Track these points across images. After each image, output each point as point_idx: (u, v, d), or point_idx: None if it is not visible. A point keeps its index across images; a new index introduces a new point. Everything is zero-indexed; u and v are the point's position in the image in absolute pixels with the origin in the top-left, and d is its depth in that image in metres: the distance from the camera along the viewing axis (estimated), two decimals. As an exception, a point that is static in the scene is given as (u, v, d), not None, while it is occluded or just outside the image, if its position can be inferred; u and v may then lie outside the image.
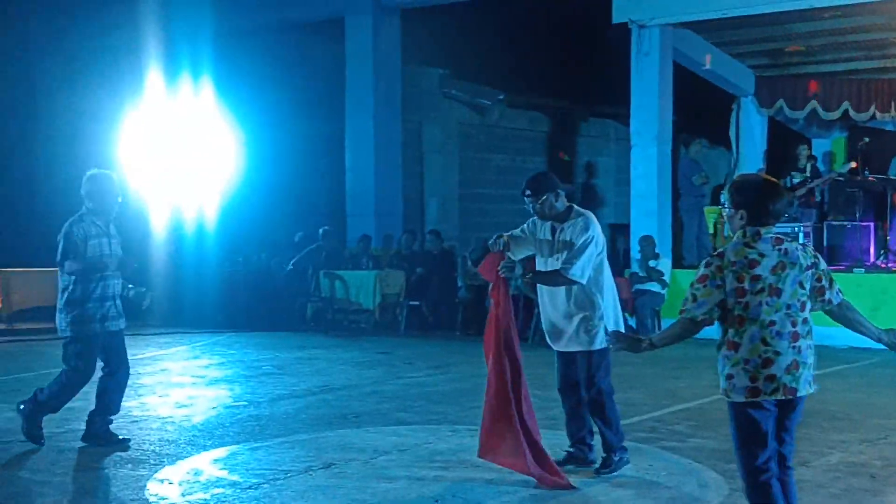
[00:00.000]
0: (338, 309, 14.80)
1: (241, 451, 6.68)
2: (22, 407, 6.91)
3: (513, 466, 5.71)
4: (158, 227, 17.12)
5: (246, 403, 8.60)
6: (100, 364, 6.99)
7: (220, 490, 5.67)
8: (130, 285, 7.10)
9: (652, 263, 13.22)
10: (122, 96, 18.29)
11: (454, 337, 13.86)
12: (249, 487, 5.70)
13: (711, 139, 18.16)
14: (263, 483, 5.78)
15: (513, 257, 5.93)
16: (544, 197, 5.82)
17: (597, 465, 5.96)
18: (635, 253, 13.66)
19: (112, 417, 7.00)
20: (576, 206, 5.96)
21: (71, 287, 6.78)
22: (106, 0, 17.91)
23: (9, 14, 18.92)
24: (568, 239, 5.79)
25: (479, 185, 19.60)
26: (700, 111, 18.33)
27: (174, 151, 17.77)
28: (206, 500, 5.48)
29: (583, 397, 5.95)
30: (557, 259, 5.82)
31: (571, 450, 6.07)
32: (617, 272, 14.15)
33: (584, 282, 5.74)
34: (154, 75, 17.89)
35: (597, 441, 6.06)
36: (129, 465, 6.28)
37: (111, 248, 6.89)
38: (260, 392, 9.21)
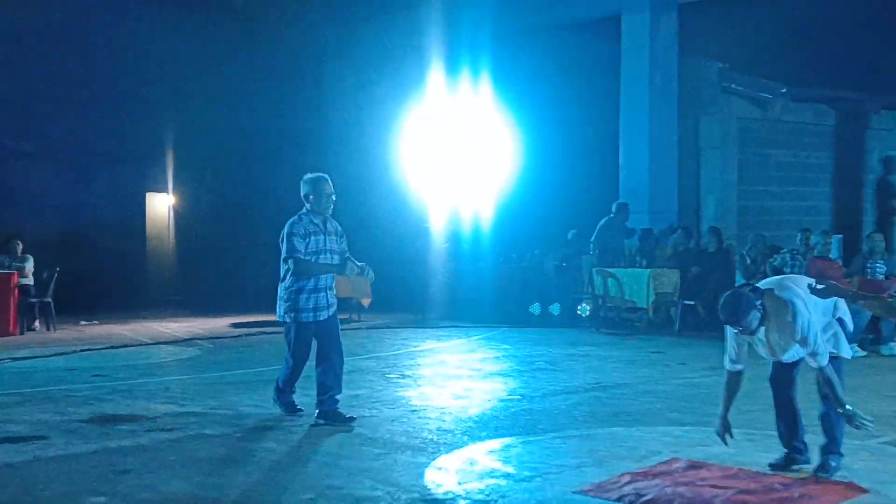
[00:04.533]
0: (611, 307, 14.75)
1: (514, 444, 6.82)
2: (275, 399, 7.85)
3: None
4: (437, 224, 17.74)
5: (519, 397, 8.76)
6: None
7: (495, 481, 5.81)
8: (359, 263, 7.68)
9: (952, 265, 12.28)
10: (405, 98, 19.11)
11: (731, 338, 13.45)
12: (523, 480, 5.81)
13: None
14: (536, 476, 5.87)
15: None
16: (748, 320, 5.58)
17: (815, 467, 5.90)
18: (932, 254, 12.75)
19: (337, 397, 7.56)
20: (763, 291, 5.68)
21: (288, 279, 7.50)
22: (391, 5, 18.73)
23: (304, 22, 20.19)
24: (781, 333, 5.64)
25: (759, 182, 18.91)
26: None
27: (453, 150, 18.35)
28: (481, 489, 5.63)
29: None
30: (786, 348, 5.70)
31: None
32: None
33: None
34: (435, 76, 18.55)
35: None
36: (409, 452, 6.56)
37: (327, 244, 7.55)
38: (533, 387, 9.35)
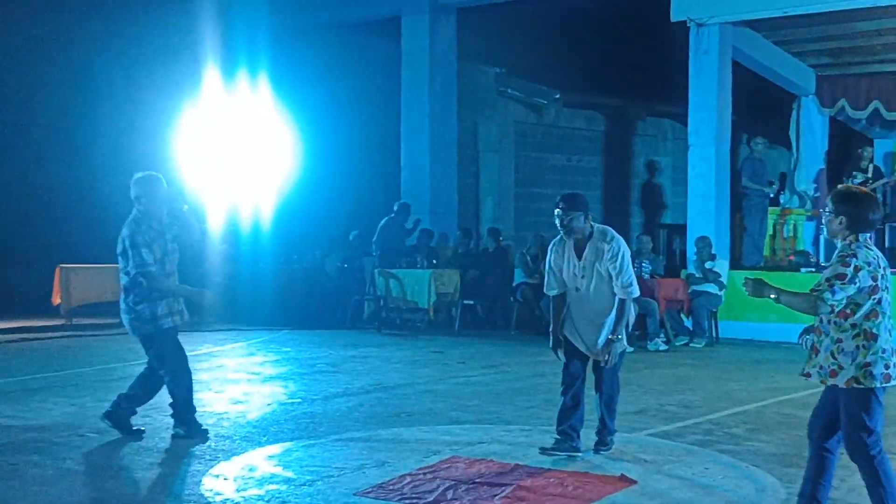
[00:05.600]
0: (392, 307, 14.82)
1: (295, 448, 6.71)
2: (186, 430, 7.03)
3: None
4: (215, 224, 17.29)
5: (300, 401, 8.65)
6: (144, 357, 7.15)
7: (275, 486, 5.69)
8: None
9: (709, 265, 13.07)
10: (181, 95, 18.53)
11: (509, 336, 13.82)
12: (303, 484, 5.72)
13: (771, 139, 17.94)
14: (317, 480, 5.80)
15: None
16: (577, 214, 6.17)
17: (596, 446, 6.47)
18: (692, 254, 13.52)
19: (137, 409, 7.11)
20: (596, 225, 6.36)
21: (136, 291, 6.85)
22: (162, 0, 18.12)
23: (70, 14, 19.23)
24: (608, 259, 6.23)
25: (535, 184, 19.54)
26: (760, 110, 18.09)
27: (231, 149, 17.95)
28: (260, 496, 5.50)
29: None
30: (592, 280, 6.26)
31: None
32: (673, 273, 14.19)
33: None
34: (212, 74, 18.08)
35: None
36: (185, 460, 6.34)
37: (168, 248, 6.96)
38: (314, 389, 9.25)
